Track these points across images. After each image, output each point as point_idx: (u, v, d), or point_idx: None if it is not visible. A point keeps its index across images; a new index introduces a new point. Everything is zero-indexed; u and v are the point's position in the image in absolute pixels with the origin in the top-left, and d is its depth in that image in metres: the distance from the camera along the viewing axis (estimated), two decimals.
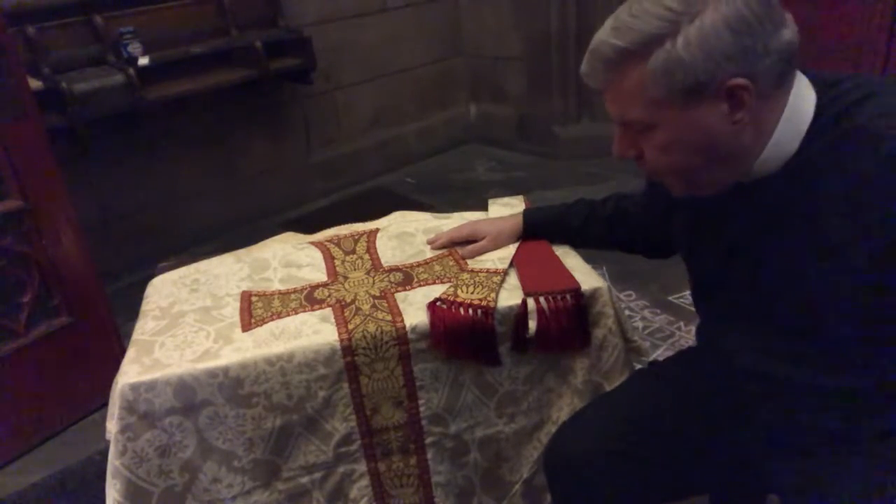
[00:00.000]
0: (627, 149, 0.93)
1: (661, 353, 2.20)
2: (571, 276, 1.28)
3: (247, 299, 1.32)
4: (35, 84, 2.27)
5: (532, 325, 1.22)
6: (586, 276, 1.29)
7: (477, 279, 1.28)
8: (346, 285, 1.35)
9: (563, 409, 1.30)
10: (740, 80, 0.81)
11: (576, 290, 1.24)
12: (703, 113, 0.83)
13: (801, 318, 0.93)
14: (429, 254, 1.45)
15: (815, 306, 0.90)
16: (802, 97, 0.86)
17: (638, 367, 1.34)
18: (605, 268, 2.57)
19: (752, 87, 0.81)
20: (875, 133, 0.80)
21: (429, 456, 1.29)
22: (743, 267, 0.98)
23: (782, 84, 0.85)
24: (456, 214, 1.62)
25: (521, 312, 1.22)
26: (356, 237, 1.55)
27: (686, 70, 0.80)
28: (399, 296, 1.29)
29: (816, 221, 0.86)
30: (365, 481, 1.28)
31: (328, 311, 1.26)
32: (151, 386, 1.13)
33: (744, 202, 0.94)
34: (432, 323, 1.20)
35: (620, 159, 0.96)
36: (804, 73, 0.88)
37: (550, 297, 1.22)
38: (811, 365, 0.94)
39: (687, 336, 2.29)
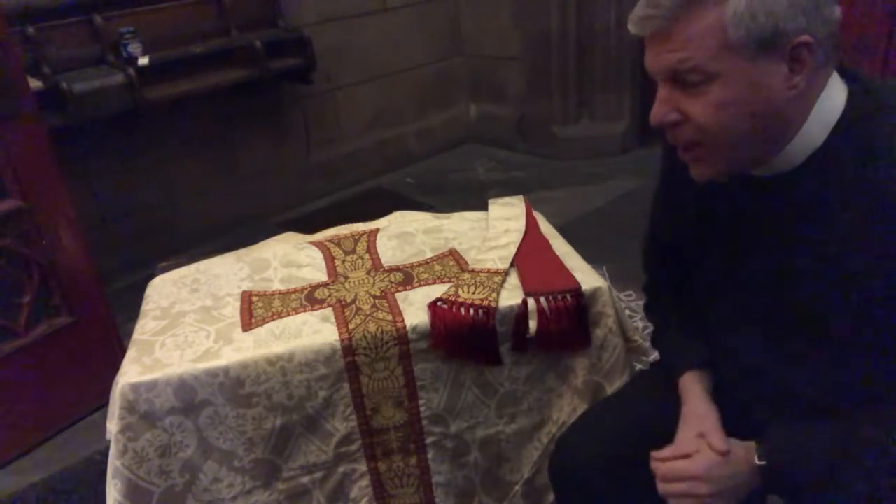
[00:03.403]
0: (669, 112, 0.86)
1: None
2: (572, 276, 1.28)
3: (247, 299, 1.32)
4: (35, 84, 2.27)
5: (532, 325, 1.22)
6: (587, 276, 1.29)
7: (478, 279, 1.28)
8: (347, 285, 1.35)
9: (564, 409, 1.30)
10: (807, 38, 0.79)
11: (576, 290, 1.24)
12: (767, 69, 0.80)
13: (807, 321, 0.92)
14: (429, 253, 1.45)
15: (819, 311, 0.90)
16: (836, 88, 0.86)
17: (638, 367, 1.34)
18: (605, 268, 2.57)
19: (816, 47, 0.80)
20: None
21: (429, 456, 1.29)
22: (754, 265, 0.97)
23: (828, 63, 0.83)
24: (456, 214, 1.62)
25: (522, 312, 1.22)
26: (356, 237, 1.55)
27: (769, 14, 0.78)
28: (399, 296, 1.29)
29: (827, 228, 0.85)
30: (365, 481, 1.28)
31: (328, 311, 1.26)
32: (152, 386, 1.13)
33: (760, 199, 0.93)
34: (433, 323, 1.20)
35: (658, 126, 0.88)
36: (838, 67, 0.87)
37: (551, 297, 1.22)
38: (818, 367, 0.94)
39: None
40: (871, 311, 0.85)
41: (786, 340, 0.96)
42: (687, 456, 0.97)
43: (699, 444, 0.98)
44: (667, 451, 1.00)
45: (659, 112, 0.87)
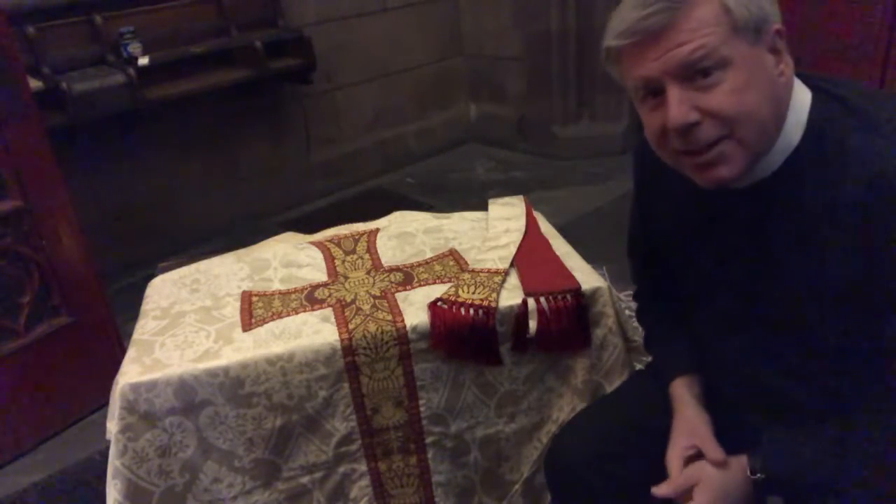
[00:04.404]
0: (689, 111, 0.81)
1: None
2: (572, 276, 1.28)
3: (247, 299, 1.32)
4: (35, 84, 2.27)
5: (532, 325, 1.22)
6: (587, 276, 1.29)
7: (478, 279, 1.28)
8: (347, 285, 1.35)
9: (564, 408, 1.30)
10: (780, 26, 0.82)
11: (576, 290, 1.24)
12: (762, 55, 0.82)
13: (791, 326, 0.92)
14: (429, 253, 1.45)
15: (803, 316, 0.90)
16: (799, 86, 0.87)
17: (638, 367, 1.34)
18: (605, 268, 2.57)
19: (783, 35, 0.82)
20: (866, 154, 0.80)
21: (429, 455, 1.29)
22: (735, 274, 0.97)
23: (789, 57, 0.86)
24: (456, 214, 1.62)
25: (522, 312, 1.22)
26: (356, 237, 1.55)
27: None
28: (399, 296, 1.29)
29: (804, 233, 0.86)
30: (365, 481, 1.28)
31: (328, 311, 1.26)
32: (152, 386, 1.13)
33: (737, 209, 0.93)
34: (433, 323, 1.20)
35: (680, 130, 0.83)
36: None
37: (551, 297, 1.22)
38: (805, 372, 0.94)
39: None
40: (852, 315, 0.85)
41: (772, 347, 0.96)
42: (689, 491, 0.96)
43: (698, 472, 0.97)
44: (665, 488, 0.99)
45: (680, 112, 0.81)
